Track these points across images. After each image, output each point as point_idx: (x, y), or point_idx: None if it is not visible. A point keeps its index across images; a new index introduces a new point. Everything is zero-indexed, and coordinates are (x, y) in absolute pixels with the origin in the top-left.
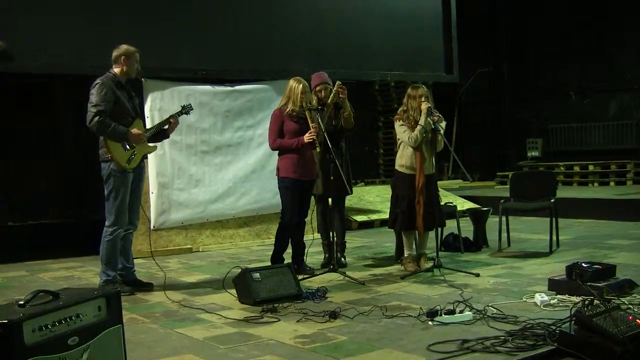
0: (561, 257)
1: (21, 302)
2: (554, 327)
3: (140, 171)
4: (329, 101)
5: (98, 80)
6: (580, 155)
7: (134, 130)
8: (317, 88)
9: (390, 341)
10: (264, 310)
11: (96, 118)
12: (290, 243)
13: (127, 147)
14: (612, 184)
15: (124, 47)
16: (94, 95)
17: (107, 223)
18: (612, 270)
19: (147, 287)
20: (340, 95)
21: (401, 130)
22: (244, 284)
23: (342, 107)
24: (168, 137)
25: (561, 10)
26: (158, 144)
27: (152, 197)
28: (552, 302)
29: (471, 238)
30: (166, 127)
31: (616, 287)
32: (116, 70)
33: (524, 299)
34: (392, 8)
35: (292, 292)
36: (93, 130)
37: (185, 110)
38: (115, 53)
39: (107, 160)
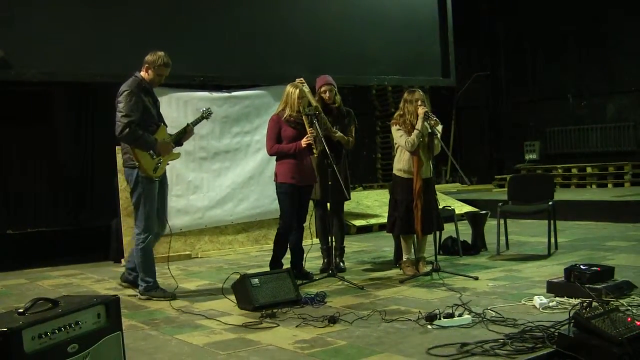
0: (560, 259)
1: (21, 310)
2: (552, 330)
3: (163, 179)
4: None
5: (126, 88)
6: (578, 157)
7: (162, 141)
8: (322, 89)
9: (389, 345)
10: (263, 316)
11: (127, 130)
12: (289, 248)
13: (154, 155)
14: (610, 185)
15: (160, 56)
16: (122, 104)
17: (137, 231)
18: (610, 272)
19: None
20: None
21: (398, 135)
22: (243, 290)
23: (344, 112)
24: (182, 144)
25: (558, 13)
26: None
27: None
28: (550, 304)
29: (470, 241)
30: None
31: (615, 288)
32: (143, 74)
33: (523, 302)
34: (388, 13)
35: (291, 297)
36: (123, 140)
37: (206, 114)
38: (149, 57)
39: (132, 166)
